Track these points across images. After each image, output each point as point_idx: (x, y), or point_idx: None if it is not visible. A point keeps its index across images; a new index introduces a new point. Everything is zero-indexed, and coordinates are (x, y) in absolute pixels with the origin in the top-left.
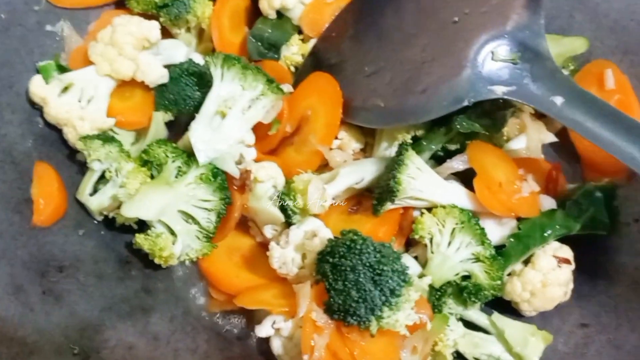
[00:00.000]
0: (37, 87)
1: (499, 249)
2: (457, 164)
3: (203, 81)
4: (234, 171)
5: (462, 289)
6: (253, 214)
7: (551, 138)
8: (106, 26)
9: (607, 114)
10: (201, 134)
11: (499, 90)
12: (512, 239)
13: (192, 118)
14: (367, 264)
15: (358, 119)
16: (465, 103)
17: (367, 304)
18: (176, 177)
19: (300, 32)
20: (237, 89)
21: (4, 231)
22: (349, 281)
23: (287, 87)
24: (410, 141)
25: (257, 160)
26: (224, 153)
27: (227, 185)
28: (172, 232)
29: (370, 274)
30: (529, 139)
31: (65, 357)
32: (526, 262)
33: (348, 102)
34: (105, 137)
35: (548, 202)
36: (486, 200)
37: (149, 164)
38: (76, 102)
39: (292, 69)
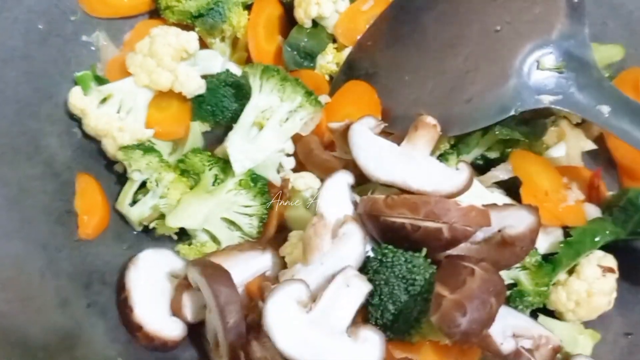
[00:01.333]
0: (77, 98)
1: (544, 257)
2: (501, 173)
3: (240, 92)
4: (275, 178)
5: (508, 297)
6: (290, 223)
7: (590, 145)
8: (141, 36)
9: None
10: (238, 145)
11: (546, 100)
12: (563, 246)
13: (229, 128)
14: (400, 276)
15: (399, 129)
16: (512, 112)
17: (404, 315)
18: (213, 184)
19: (334, 40)
20: (276, 100)
21: (48, 243)
22: (384, 295)
23: (324, 98)
24: (450, 150)
25: (295, 170)
26: (264, 161)
27: (268, 189)
28: (215, 240)
29: (404, 285)
30: (568, 146)
31: None
32: (570, 272)
33: (388, 112)
34: (146, 148)
35: (593, 210)
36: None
37: (186, 173)
38: (115, 113)
39: (327, 77)
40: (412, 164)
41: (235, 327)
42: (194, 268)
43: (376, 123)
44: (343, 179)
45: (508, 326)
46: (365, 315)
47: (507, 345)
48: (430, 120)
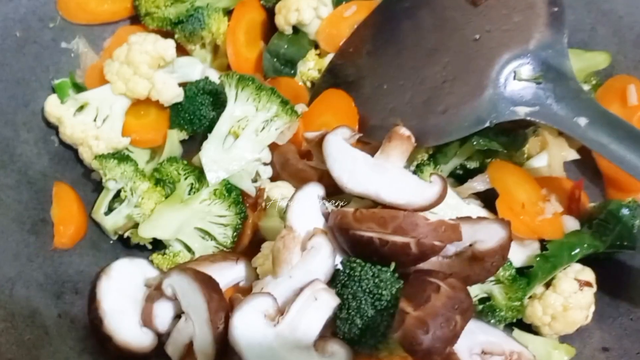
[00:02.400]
0: (53, 107)
1: (520, 271)
2: (479, 184)
3: (218, 100)
4: (249, 189)
5: (480, 312)
6: (265, 233)
7: (573, 155)
8: (121, 43)
9: (632, 137)
10: (212, 154)
11: (522, 111)
12: (539, 259)
13: (206, 138)
14: (367, 290)
15: (376, 139)
16: (487, 124)
17: (371, 330)
18: (189, 194)
19: (316, 47)
20: (251, 109)
21: (20, 253)
22: (351, 309)
23: (301, 107)
24: (427, 161)
25: (273, 180)
26: (240, 170)
27: (242, 199)
28: (189, 250)
29: (371, 300)
30: (550, 156)
31: None
32: (547, 285)
33: (365, 120)
34: (121, 157)
35: (571, 223)
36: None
37: (162, 182)
38: (91, 121)
39: (309, 84)
40: (385, 176)
41: (223, 334)
42: (184, 274)
43: (351, 134)
44: (313, 191)
45: (476, 343)
46: (333, 329)
47: None
48: (404, 131)
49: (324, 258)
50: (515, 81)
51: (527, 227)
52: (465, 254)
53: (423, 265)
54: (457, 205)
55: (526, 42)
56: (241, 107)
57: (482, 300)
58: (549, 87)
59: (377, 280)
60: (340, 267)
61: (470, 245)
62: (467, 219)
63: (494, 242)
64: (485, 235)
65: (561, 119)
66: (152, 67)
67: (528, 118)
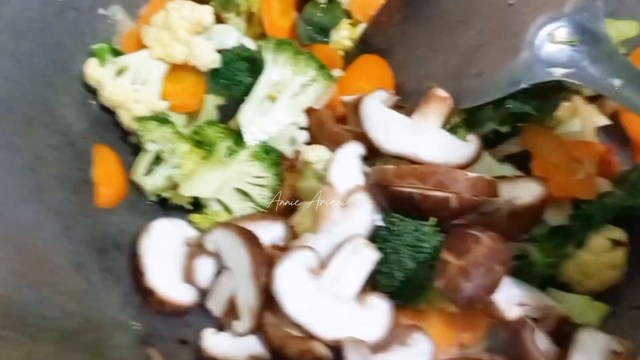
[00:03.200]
0: (93, 70)
1: (554, 230)
2: (512, 146)
3: (255, 66)
4: (287, 151)
5: (516, 268)
6: (302, 194)
7: (603, 121)
8: (157, 10)
9: None
10: (250, 117)
11: (558, 72)
12: (573, 218)
13: (243, 102)
14: (408, 244)
15: (411, 102)
16: (523, 85)
17: (412, 283)
18: (227, 156)
19: (349, 16)
20: (289, 73)
21: (64, 210)
22: (392, 262)
23: (337, 72)
24: (460, 123)
25: (308, 144)
26: (277, 133)
27: (280, 161)
28: (228, 210)
29: (412, 253)
30: (582, 122)
31: (127, 333)
32: (579, 245)
33: (400, 86)
34: (160, 119)
35: (604, 185)
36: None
37: (200, 144)
38: (130, 85)
39: (342, 53)
40: (422, 136)
41: (266, 287)
42: (228, 230)
43: (388, 96)
44: (353, 150)
45: (514, 295)
46: (373, 283)
47: (511, 313)
48: (441, 92)
49: (364, 214)
50: (551, 44)
51: (560, 187)
52: (502, 210)
53: (462, 221)
54: (492, 166)
55: (561, 5)
56: (279, 71)
57: (518, 258)
58: (584, 50)
59: (417, 233)
60: (380, 223)
61: (507, 202)
62: (504, 177)
63: (531, 197)
64: (522, 192)
65: (596, 80)
66: (190, 33)
67: (564, 79)
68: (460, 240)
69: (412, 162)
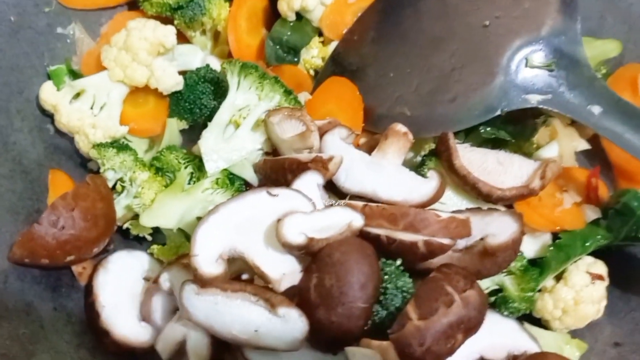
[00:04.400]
0: (48, 94)
1: (532, 262)
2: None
3: (220, 89)
4: (252, 178)
5: (492, 304)
6: None
7: (584, 145)
8: (119, 29)
9: None
10: (212, 144)
11: (534, 99)
12: (552, 249)
13: (207, 126)
14: None
15: (382, 128)
16: (498, 112)
17: (377, 325)
18: (189, 183)
19: (320, 34)
20: (253, 98)
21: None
22: None
23: (304, 96)
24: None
25: None
26: (241, 160)
27: (245, 189)
28: (190, 240)
29: None
30: (561, 146)
31: None
32: (558, 278)
33: (371, 110)
34: (120, 146)
35: (592, 212)
36: (527, 217)
37: (161, 171)
38: (88, 109)
39: (312, 72)
40: (381, 174)
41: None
42: (183, 269)
43: (348, 133)
44: (312, 179)
45: (474, 351)
46: None
47: None
48: (400, 128)
49: None
50: (527, 68)
51: (546, 220)
52: (476, 248)
53: (436, 260)
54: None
55: (538, 29)
56: (243, 95)
57: (494, 292)
58: (561, 75)
59: (381, 273)
60: None
61: (482, 239)
62: (478, 210)
63: (505, 236)
64: (497, 229)
65: (574, 107)
66: (151, 54)
67: (540, 106)
68: (432, 295)
69: (372, 201)
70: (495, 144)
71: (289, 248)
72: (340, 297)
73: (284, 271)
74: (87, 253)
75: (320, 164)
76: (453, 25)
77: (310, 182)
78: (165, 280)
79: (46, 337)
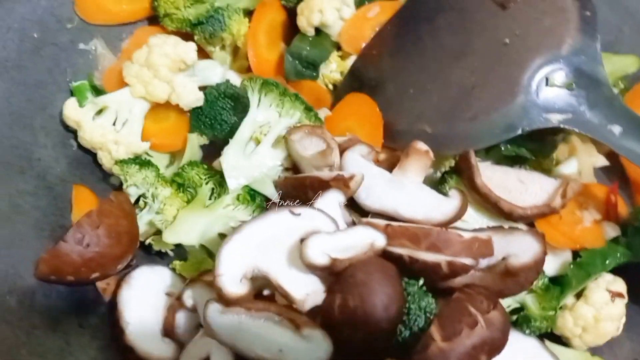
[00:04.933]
0: (72, 110)
1: (552, 280)
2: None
3: (240, 104)
4: (272, 194)
5: (514, 322)
6: None
7: (602, 162)
8: (140, 44)
9: None
10: (233, 160)
11: (555, 119)
12: (572, 267)
13: (228, 141)
14: None
15: (402, 144)
16: (519, 132)
17: (400, 345)
18: (210, 199)
19: (339, 48)
20: (274, 115)
21: None
22: None
23: (324, 112)
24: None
25: None
26: (262, 176)
27: (266, 204)
28: (212, 257)
29: None
30: (580, 163)
31: None
32: (578, 296)
33: (390, 125)
34: (142, 162)
35: (611, 230)
36: (548, 235)
37: (183, 187)
38: (110, 125)
39: (331, 87)
40: (402, 192)
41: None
42: (207, 288)
43: (369, 150)
44: (334, 198)
45: None
46: None
47: None
48: (421, 146)
49: None
50: (548, 87)
51: (567, 238)
52: (497, 267)
53: (459, 280)
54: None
55: (558, 48)
56: (264, 112)
57: (515, 311)
58: (581, 94)
59: (404, 293)
60: None
61: (504, 258)
62: (500, 229)
63: (528, 257)
64: (519, 249)
65: (595, 127)
66: (172, 71)
67: (561, 126)
68: (456, 316)
69: (393, 219)
70: (515, 160)
71: (312, 269)
72: (365, 318)
73: (308, 291)
74: (112, 270)
75: (342, 182)
76: (473, 42)
77: (332, 201)
78: (188, 298)
79: (72, 353)
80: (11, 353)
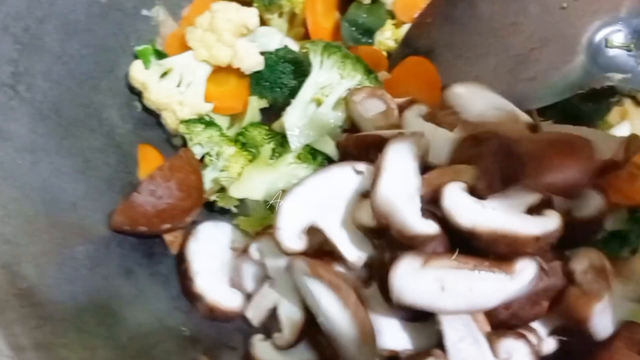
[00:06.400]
0: (138, 72)
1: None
2: None
3: (299, 69)
4: (334, 153)
5: None
6: None
7: None
8: (200, 11)
9: None
10: (295, 120)
11: (615, 78)
12: (630, 222)
13: (286, 105)
14: None
15: None
16: (579, 90)
17: None
18: (271, 158)
19: (393, 17)
20: (336, 77)
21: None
22: None
23: (383, 75)
24: None
25: None
26: (322, 137)
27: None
28: (275, 212)
29: None
30: (633, 126)
31: (176, 339)
32: (633, 252)
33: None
34: (206, 122)
35: None
36: (605, 192)
37: (246, 146)
38: (175, 87)
39: (385, 54)
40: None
41: None
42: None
43: (427, 110)
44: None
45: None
46: None
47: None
48: None
49: None
50: (607, 48)
51: (622, 195)
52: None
53: None
54: None
55: (617, 9)
56: (326, 74)
57: None
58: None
59: None
60: None
61: (567, 212)
62: None
63: (591, 209)
64: (581, 202)
65: None
66: (235, 35)
67: (621, 84)
68: None
69: None
70: (570, 121)
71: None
72: None
73: (361, 254)
74: (181, 222)
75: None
76: (529, 7)
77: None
78: (255, 250)
79: (146, 300)
80: (89, 295)
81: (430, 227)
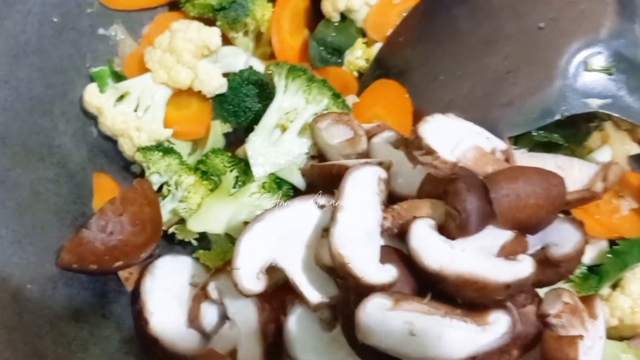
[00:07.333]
0: (92, 96)
1: (589, 269)
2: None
3: (264, 91)
4: (299, 182)
5: None
6: None
7: (636, 149)
8: (161, 30)
9: None
10: (259, 147)
11: (594, 104)
12: (610, 256)
13: (251, 128)
14: None
15: None
16: (558, 117)
17: None
18: (234, 187)
19: (364, 35)
20: (301, 102)
21: None
22: None
23: (352, 99)
24: None
25: None
26: (287, 165)
27: (293, 193)
28: None
29: None
30: (614, 150)
31: None
32: (614, 287)
33: (420, 113)
34: (165, 149)
35: None
36: (586, 225)
37: (206, 174)
38: (132, 111)
39: (356, 74)
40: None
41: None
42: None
43: (397, 136)
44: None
45: None
46: None
47: None
48: None
49: None
50: (586, 72)
51: (604, 227)
52: (536, 257)
53: None
54: None
55: (596, 31)
56: (291, 98)
57: None
58: (621, 79)
59: None
60: None
61: (543, 248)
62: None
63: (569, 247)
64: (559, 238)
65: (635, 112)
66: (196, 56)
67: (601, 111)
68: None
69: None
70: (547, 148)
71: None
72: None
73: (323, 296)
74: (135, 259)
75: None
76: (505, 26)
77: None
78: (213, 289)
79: (96, 343)
80: (34, 343)
81: (387, 275)
